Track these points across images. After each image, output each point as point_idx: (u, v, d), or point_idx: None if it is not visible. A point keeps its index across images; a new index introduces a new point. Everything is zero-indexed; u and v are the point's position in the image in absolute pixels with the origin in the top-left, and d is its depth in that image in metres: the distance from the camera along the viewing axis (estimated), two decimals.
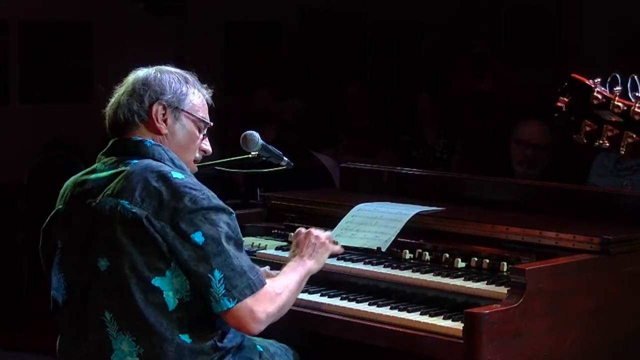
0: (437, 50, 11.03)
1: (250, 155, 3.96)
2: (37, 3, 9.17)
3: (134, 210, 3.04)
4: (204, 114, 3.31)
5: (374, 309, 3.46)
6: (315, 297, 3.61)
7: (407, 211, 3.89)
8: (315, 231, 3.48)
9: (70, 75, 9.47)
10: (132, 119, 3.21)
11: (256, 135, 3.91)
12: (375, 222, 3.90)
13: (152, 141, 3.21)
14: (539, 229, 3.61)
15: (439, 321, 3.31)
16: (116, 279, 3.05)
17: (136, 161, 3.15)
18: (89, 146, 9.08)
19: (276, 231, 4.20)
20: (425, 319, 3.34)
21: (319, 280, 3.56)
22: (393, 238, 3.79)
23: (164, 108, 3.22)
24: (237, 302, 3.04)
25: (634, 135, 2.96)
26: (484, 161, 8.07)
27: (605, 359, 3.48)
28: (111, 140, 3.27)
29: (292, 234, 4.09)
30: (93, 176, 3.20)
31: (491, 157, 7.90)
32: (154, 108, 3.21)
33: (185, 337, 3.07)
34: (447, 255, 3.69)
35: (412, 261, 3.74)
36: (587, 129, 3.00)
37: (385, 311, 3.43)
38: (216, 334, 3.14)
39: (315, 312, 3.44)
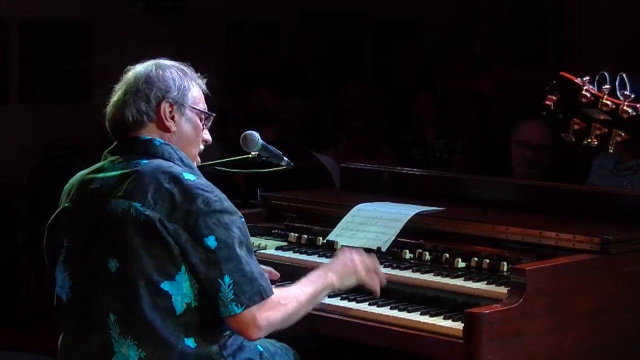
0: (437, 50, 11.03)
1: (250, 155, 3.95)
2: (37, 3, 9.17)
3: (146, 213, 3.03)
4: (204, 105, 3.32)
5: (374, 309, 3.46)
6: None
7: (407, 211, 3.89)
8: (358, 255, 3.45)
9: (70, 75, 9.47)
10: (141, 119, 3.19)
11: (256, 135, 3.90)
12: (375, 222, 3.90)
13: (160, 140, 3.20)
14: (539, 229, 3.61)
15: (439, 321, 3.31)
16: (124, 281, 3.04)
17: (146, 161, 3.14)
18: (89, 146, 9.09)
19: (276, 231, 4.20)
20: (425, 319, 3.34)
21: None
22: (393, 238, 3.79)
23: (171, 105, 3.21)
24: (245, 308, 3.04)
25: (623, 134, 2.96)
26: (484, 161, 8.07)
27: (605, 359, 3.48)
28: (115, 138, 3.26)
29: (293, 233, 4.11)
30: (101, 175, 3.18)
31: (491, 157, 7.90)
32: (162, 106, 3.20)
33: (190, 342, 3.06)
34: (447, 255, 3.69)
35: (412, 261, 3.74)
36: (576, 127, 3.01)
37: (385, 311, 3.43)
38: (222, 338, 3.13)
39: (316, 312, 3.44)
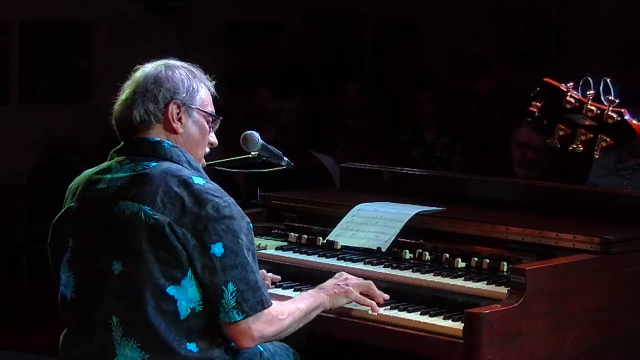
0: (437, 50, 11.03)
1: (250, 155, 3.95)
2: (37, 3, 9.17)
3: (156, 217, 3.02)
4: (211, 107, 3.31)
5: None
6: None
7: (407, 211, 3.89)
8: (353, 278, 3.47)
9: (70, 75, 9.47)
10: (149, 119, 3.18)
11: (256, 135, 3.90)
12: (376, 222, 3.90)
13: (169, 142, 3.19)
14: (539, 229, 3.61)
15: (439, 321, 3.31)
16: (129, 284, 3.03)
17: (155, 164, 3.13)
18: (89, 146, 9.11)
19: (276, 231, 4.20)
20: (425, 319, 3.34)
21: (319, 281, 3.55)
22: (393, 238, 3.79)
23: (179, 107, 3.20)
24: (246, 316, 3.05)
25: (608, 139, 2.96)
26: (484, 161, 8.08)
27: (606, 359, 3.47)
28: (121, 138, 3.25)
29: (293, 233, 4.11)
30: (108, 175, 3.17)
31: (491, 157, 7.90)
32: (170, 108, 3.19)
33: (193, 347, 3.06)
34: (447, 255, 3.69)
35: (412, 261, 3.74)
36: (561, 133, 3.01)
37: (385, 311, 3.43)
38: (224, 341, 3.13)
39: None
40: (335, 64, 10.63)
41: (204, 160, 3.34)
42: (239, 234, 3.06)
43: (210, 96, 3.31)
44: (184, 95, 3.21)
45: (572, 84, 3.01)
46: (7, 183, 8.56)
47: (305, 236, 4.06)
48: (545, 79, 3.04)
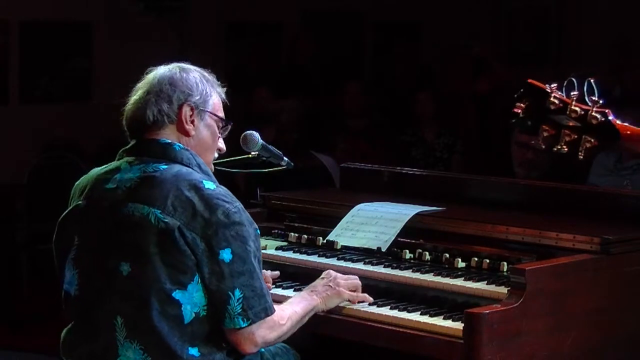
0: (437, 50, 11.04)
1: (250, 155, 3.95)
2: (37, 3, 9.17)
3: (166, 220, 3.02)
4: (222, 113, 3.31)
5: (374, 309, 3.46)
6: None
7: (407, 211, 3.89)
8: (341, 276, 3.49)
9: (70, 75, 9.47)
10: (162, 120, 3.18)
11: (256, 135, 3.90)
12: (376, 222, 3.90)
13: (180, 145, 3.19)
14: (539, 229, 3.61)
15: (439, 321, 3.31)
16: (135, 286, 3.03)
17: (165, 166, 3.12)
18: (88, 146, 9.11)
19: (276, 231, 4.20)
20: (425, 319, 3.34)
21: None
22: (393, 238, 3.79)
23: (192, 109, 3.21)
24: (250, 323, 3.06)
25: (592, 140, 2.96)
26: (484, 161, 8.08)
27: (606, 359, 3.47)
28: (132, 137, 3.24)
29: (293, 233, 4.11)
30: (117, 175, 3.16)
31: (491, 157, 7.91)
32: (183, 109, 3.19)
33: (195, 351, 3.06)
34: (447, 255, 3.69)
35: (412, 261, 3.74)
36: (545, 134, 3.01)
37: (385, 311, 3.43)
38: (227, 346, 3.13)
39: (318, 313, 3.44)
40: (335, 64, 10.63)
41: (212, 166, 3.34)
42: (247, 241, 3.07)
43: (222, 102, 3.32)
44: (198, 98, 3.21)
45: (555, 84, 3.01)
46: (7, 183, 8.57)
47: (305, 236, 4.06)
48: (528, 80, 3.05)
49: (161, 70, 3.25)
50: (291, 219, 4.24)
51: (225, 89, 3.35)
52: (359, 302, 3.48)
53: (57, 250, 3.24)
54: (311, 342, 3.66)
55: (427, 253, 3.74)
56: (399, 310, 3.42)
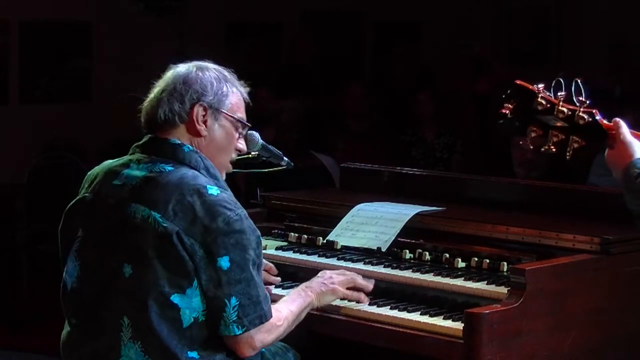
0: (437, 50, 11.04)
1: (250, 155, 3.95)
2: (37, 3, 9.17)
3: (165, 225, 3.01)
4: (242, 113, 3.28)
5: (374, 309, 3.46)
6: None
7: (407, 211, 3.89)
8: (336, 275, 3.48)
9: (70, 75, 9.47)
10: (173, 119, 3.17)
11: (256, 135, 3.90)
12: (376, 222, 3.90)
13: (190, 147, 3.17)
14: (539, 229, 3.61)
15: (439, 321, 3.31)
16: (136, 288, 3.03)
17: (171, 168, 3.11)
18: (89, 146, 9.11)
19: (276, 231, 4.20)
20: (425, 319, 3.34)
21: None
22: (393, 238, 3.79)
23: (205, 109, 3.18)
24: (245, 330, 3.05)
25: (580, 140, 2.97)
26: (484, 161, 8.08)
27: (606, 359, 3.47)
28: (146, 135, 3.23)
29: (293, 233, 4.11)
30: (126, 172, 3.15)
31: (491, 157, 7.91)
32: (195, 109, 3.17)
33: (194, 354, 3.06)
34: (447, 255, 3.69)
35: (412, 261, 3.74)
36: (533, 134, 3.02)
37: (385, 311, 3.43)
38: (226, 351, 3.12)
39: (316, 312, 3.44)
40: (335, 64, 10.63)
41: (230, 166, 3.31)
42: (247, 249, 3.06)
43: (243, 102, 3.29)
44: (211, 97, 3.19)
45: (542, 85, 3.02)
46: (7, 183, 8.57)
47: (305, 236, 4.06)
48: (516, 81, 3.05)
49: (179, 69, 3.23)
50: (291, 219, 4.24)
51: (248, 88, 3.32)
52: (352, 299, 3.46)
53: (62, 239, 3.24)
54: (311, 342, 3.66)
55: (427, 253, 3.74)
56: (399, 310, 3.42)
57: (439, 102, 8.53)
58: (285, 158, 3.95)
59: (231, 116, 3.24)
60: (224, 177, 3.30)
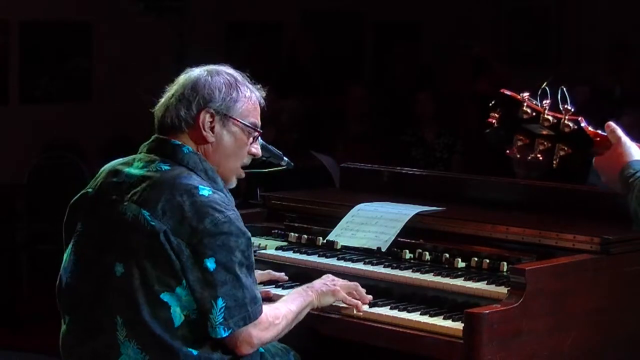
0: (437, 50, 11.04)
1: None
2: (37, 3, 9.17)
3: (153, 223, 3.01)
4: (254, 118, 3.26)
5: (373, 309, 3.46)
6: None
7: (407, 211, 3.89)
8: (338, 279, 3.49)
9: (70, 75, 9.48)
10: (180, 125, 3.16)
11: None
12: (375, 222, 3.90)
13: (190, 148, 3.16)
14: (539, 229, 3.61)
15: (439, 321, 3.31)
16: (128, 287, 3.03)
17: (168, 167, 3.12)
18: (89, 146, 9.11)
19: (276, 231, 4.19)
20: (425, 319, 3.34)
21: None
22: (393, 238, 3.79)
23: (212, 116, 3.17)
24: (231, 332, 3.05)
25: (566, 148, 2.97)
26: (484, 161, 8.07)
27: (606, 359, 3.47)
28: (154, 135, 3.24)
29: (293, 233, 4.10)
30: (126, 170, 3.16)
31: (491, 157, 7.90)
32: (201, 116, 3.16)
33: (192, 351, 3.06)
34: (447, 255, 3.69)
35: (412, 261, 3.74)
36: (520, 143, 3.02)
37: (385, 311, 3.43)
38: (222, 349, 3.12)
39: (316, 312, 3.44)
40: (335, 64, 10.63)
41: (241, 172, 3.30)
42: (233, 250, 3.04)
43: (256, 106, 3.27)
44: (219, 104, 3.18)
45: (528, 93, 3.02)
46: (7, 183, 8.57)
47: (305, 236, 4.06)
48: (501, 90, 3.06)
49: (192, 72, 3.22)
50: (291, 219, 4.24)
51: (264, 92, 3.31)
52: (350, 305, 3.45)
53: (66, 232, 3.25)
54: (311, 342, 3.66)
55: (427, 253, 3.73)
56: (399, 310, 3.42)
57: (439, 102, 8.53)
58: (285, 158, 3.95)
59: (241, 122, 3.22)
60: (235, 183, 3.30)
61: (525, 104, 2.98)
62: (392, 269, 3.67)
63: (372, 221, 3.92)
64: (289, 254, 3.95)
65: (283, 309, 3.24)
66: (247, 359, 3.20)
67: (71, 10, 9.33)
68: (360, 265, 3.73)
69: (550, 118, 2.97)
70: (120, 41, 9.42)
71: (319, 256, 3.88)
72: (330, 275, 3.51)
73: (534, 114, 2.98)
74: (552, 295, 3.28)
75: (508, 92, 3.03)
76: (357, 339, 3.49)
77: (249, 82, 3.29)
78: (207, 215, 3.03)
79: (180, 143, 3.17)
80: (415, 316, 3.37)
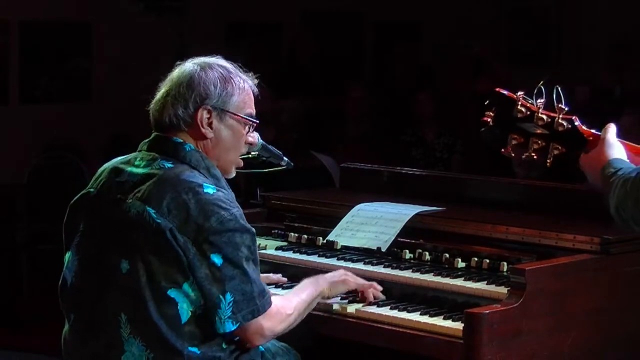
0: (437, 50, 11.03)
1: (250, 155, 3.95)
2: (37, 3, 9.17)
3: (158, 221, 3.02)
4: (250, 108, 3.29)
5: (374, 309, 3.46)
6: None
7: (407, 211, 3.89)
8: (351, 274, 3.52)
9: (70, 75, 9.47)
10: (178, 124, 3.17)
11: (256, 135, 3.90)
12: (375, 222, 3.90)
13: (191, 146, 3.18)
14: (539, 229, 3.61)
15: (439, 321, 3.31)
16: (134, 284, 3.04)
17: (171, 165, 3.13)
18: (89, 146, 9.11)
19: (276, 231, 4.20)
20: (425, 319, 3.34)
21: None
22: (393, 238, 3.79)
23: (209, 112, 3.19)
24: (239, 325, 3.06)
25: (560, 147, 2.97)
26: (484, 161, 8.07)
27: (606, 359, 3.47)
28: (154, 133, 3.24)
29: (293, 233, 4.11)
30: (129, 169, 3.17)
31: (491, 157, 7.90)
32: (199, 113, 3.17)
33: (195, 350, 3.06)
34: (447, 255, 3.69)
35: (412, 261, 3.74)
36: (514, 142, 3.02)
37: (385, 311, 3.43)
38: (228, 344, 3.13)
39: (316, 312, 3.44)
40: (335, 64, 10.63)
41: (240, 161, 3.32)
42: (239, 246, 3.06)
43: (251, 95, 3.30)
44: (216, 100, 3.19)
45: (522, 93, 3.02)
46: (7, 183, 8.57)
47: (305, 236, 4.06)
48: (495, 89, 3.06)
49: (184, 68, 3.22)
50: (291, 219, 4.24)
51: (256, 80, 3.32)
52: (363, 289, 3.49)
53: (66, 233, 3.26)
54: (311, 342, 3.66)
55: (427, 253, 3.74)
56: (399, 310, 3.42)
57: (439, 102, 8.53)
58: (285, 158, 3.95)
59: (238, 114, 3.24)
60: (234, 173, 3.32)
61: (519, 103, 2.98)
62: (392, 269, 3.67)
63: (372, 221, 3.92)
64: (289, 254, 3.95)
65: (294, 300, 3.26)
66: (248, 357, 3.20)
67: (71, 10, 9.33)
68: (360, 265, 3.73)
69: (544, 117, 2.97)
70: (120, 41, 9.42)
71: (319, 256, 3.88)
72: (342, 269, 3.54)
73: (528, 113, 2.98)
74: (552, 295, 3.28)
75: (502, 91, 3.04)
76: (357, 339, 3.49)
77: (240, 72, 3.30)
78: (213, 213, 3.04)
79: (181, 141, 3.18)
80: (415, 316, 3.37)
